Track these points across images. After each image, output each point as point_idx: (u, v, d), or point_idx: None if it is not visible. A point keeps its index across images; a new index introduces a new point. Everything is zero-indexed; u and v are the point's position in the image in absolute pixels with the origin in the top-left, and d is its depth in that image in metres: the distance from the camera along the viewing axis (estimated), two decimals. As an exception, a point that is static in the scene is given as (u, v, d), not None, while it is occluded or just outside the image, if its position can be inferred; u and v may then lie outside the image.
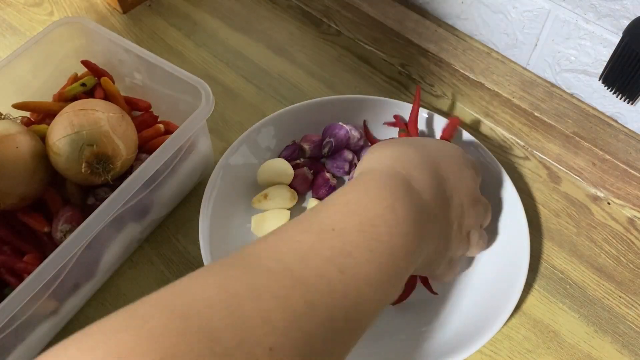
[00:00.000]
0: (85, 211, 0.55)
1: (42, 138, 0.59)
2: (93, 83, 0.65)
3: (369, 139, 0.66)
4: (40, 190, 0.58)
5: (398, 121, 0.67)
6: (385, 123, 0.67)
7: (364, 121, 0.67)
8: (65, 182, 0.59)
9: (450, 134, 0.64)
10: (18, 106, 0.63)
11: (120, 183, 0.53)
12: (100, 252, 0.56)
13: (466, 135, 0.65)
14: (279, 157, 0.65)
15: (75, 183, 0.58)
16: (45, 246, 0.57)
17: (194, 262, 0.61)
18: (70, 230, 0.55)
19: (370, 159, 0.49)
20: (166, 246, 0.62)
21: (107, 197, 0.52)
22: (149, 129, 0.63)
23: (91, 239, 0.51)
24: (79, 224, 0.51)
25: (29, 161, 0.55)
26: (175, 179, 0.60)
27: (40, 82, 0.66)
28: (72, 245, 0.50)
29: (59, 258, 0.49)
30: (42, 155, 0.57)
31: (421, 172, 0.46)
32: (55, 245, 0.51)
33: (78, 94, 0.65)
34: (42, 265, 0.48)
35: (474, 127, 0.71)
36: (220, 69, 0.78)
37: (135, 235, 0.60)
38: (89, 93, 0.66)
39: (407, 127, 0.65)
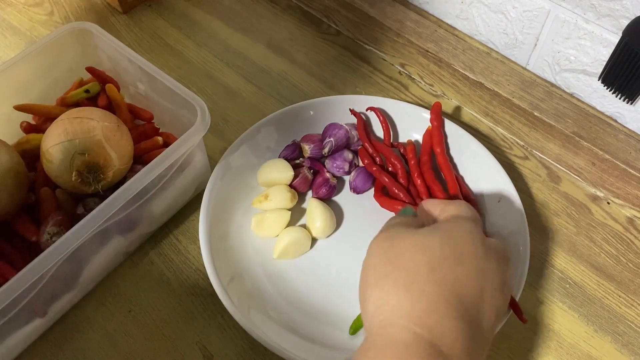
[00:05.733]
0: (74, 220, 0.54)
1: (38, 147, 0.58)
2: (97, 90, 0.65)
3: (362, 139, 0.65)
4: (15, 205, 0.56)
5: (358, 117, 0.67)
6: (350, 110, 0.67)
7: (360, 119, 0.67)
8: (56, 190, 0.58)
9: (436, 118, 0.65)
10: (19, 108, 0.63)
11: (111, 194, 0.52)
12: (82, 264, 0.55)
13: (466, 135, 0.65)
14: (279, 157, 0.65)
15: (67, 191, 0.58)
16: (33, 252, 0.56)
17: (194, 262, 0.61)
18: (58, 234, 0.54)
19: (380, 302, 0.39)
20: (166, 246, 0.62)
21: (95, 208, 0.51)
22: (147, 140, 0.63)
23: (72, 251, 0.50)
24: (67, 229, 0.50)
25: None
26: (166, 195, 0.60)
27: (45, 86, 0.65)
28: (50, 257, 0.49)
29: (36, 269, 0.48)
30: (15, 170, 0.55)
31: (447, 320, 0.37)
32: (41, 250, 0.50)
33: (81, 100, 0.65)
34: (17, 275, 0.47)
35: (473, 127, 0.71)
36: (220, 69, 0.78)
37: (121, 249, 0.59)
38: (93, 100, 0.66)
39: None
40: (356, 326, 0.55)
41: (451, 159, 0.65)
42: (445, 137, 0.66)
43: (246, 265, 0.59)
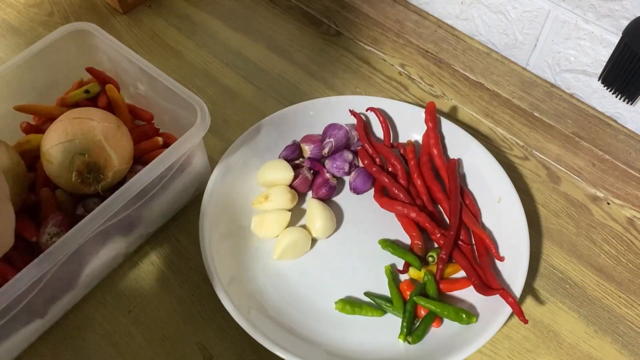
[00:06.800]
0: (74, 221, 0.54)
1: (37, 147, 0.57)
2: (97, 90, 0.65)
3: (362, 139, 0.65)
4: (15, 206, 0.55)
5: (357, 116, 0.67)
6: (350, 111, 0.67)
7: (360, 120, 0.67)
8: (56, 190, 0.58)
9: (431, 119, 0.65)
10: (19, 108, 0.63)
11: (111, 194, 0.52)
12: (82, 264, 0.55)
13: (466, 136, 0.65)
14: (279, 157, 0.65)
15: (67, 192, 0.57)
16: (33, 253, 0.55)
17: (194, 262, 0.61)
18: (58, 234, 0.54)
19: None
20: (166, 246, 0.62)
21: (95, 209, 0.51)
22: (147, 141, 0.63)
23: (72, 251, 0.50)
24: (67, 230, 0.50)
25: None
26: (166, 195, 0.60)
27: (45, 86, 0.65)
28: (50, 258, 0.49)
29: (36, 269, 0.48)
30: (14, 170, 0.55)
31: None
32: (41, 251, 0.50)
33: (80, 101, 0.65)
34: (17, 275, 0.47)
35: (473, 127, 0.71)
36: (220, 69, 0.78)
37: (121, 250, 0.59)
38: (93, 100, 0.65)
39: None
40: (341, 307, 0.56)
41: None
42: (445, 137, 0.66)
43: (246, 265, 0.59)
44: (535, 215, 0.64)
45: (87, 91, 0.64)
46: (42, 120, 0.64)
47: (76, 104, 0.64)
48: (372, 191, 0.64)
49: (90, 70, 0.66)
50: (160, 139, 0.63)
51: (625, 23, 0.62)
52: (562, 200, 0.65)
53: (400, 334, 0.54)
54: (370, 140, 0.65)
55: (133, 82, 0.66)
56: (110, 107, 0.64)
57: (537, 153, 0.69)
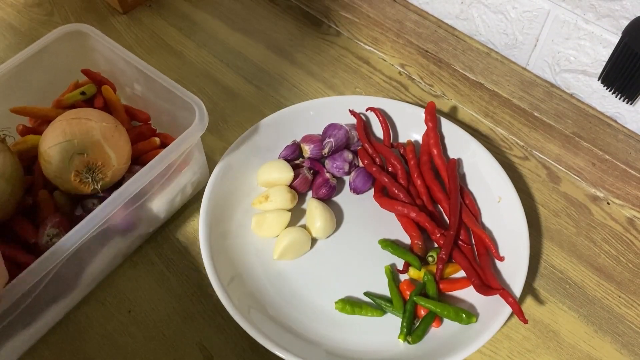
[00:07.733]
0: (73, 222, 0.53)
1: (35, 147, 0.57)
2: (93, 92, 0.65)
3: (362, 139, 0.65)
4: (12, 207, 0.56)
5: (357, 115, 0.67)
6: (350, 111, 0.67)
7: (360, 120, 0.67)
8: (54, 192, 0.58)
9: (431, 119, 0.65)
10: (15, 110, 0.62)
11: (110, 195, 0.52)
12: (82, 265, 0.55)
13: (466, 136, 0.65)
14: (279, 157, 0.65)
15: (65, 193, 0.57)
16: (32, 254, 0.55)
17: (194, 262, 0.61)
18: (57, 235, 0.54)
19: None
20: (166, 246, 0.62)
21: (94, 209, 0.51)
22: (144, 141, 0.63)
23: (73, 252, 0.50)
24: (66, 231, 0.50)
25: None
26: (164, 195, 0.60)
27: (41, 88, 0.65)
28: (51, 259, 0.49)
29: (37, 271, 0.48)
30: (8, 173, 0.55)
31: None
32: (40, 252, 0.50)
33: (77, 102, 0.64)
34: (18, 277, 0.47)
35: (473, 127, 0.71)
36: (220, 69, 0.78)
37: (121, 250, 0.59)
38: (89, 101, 0.65)
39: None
40: (341, 306, 0.56)
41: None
42: (445, 137, 0.66)
43: (246, 265, 0.59)
44: (535, 215, 0.64)
45: (83, 92, 0.64)
46: (38, 122, 0.64)
47: (72, 106, 0.64)
48: (372, 191, 0.64)
49: (85, 72, 0.66)
50: (157, 139, 0.62)
51: (625, 23, 0.62)
52: (562, 200, 0.65)
53: (400, 333, 0.54)
54: (370, 140, 0.65)
55: (130, 83, 0.66)
56: (107, 108, 0.64)
57: (537, 153, 0.69)
